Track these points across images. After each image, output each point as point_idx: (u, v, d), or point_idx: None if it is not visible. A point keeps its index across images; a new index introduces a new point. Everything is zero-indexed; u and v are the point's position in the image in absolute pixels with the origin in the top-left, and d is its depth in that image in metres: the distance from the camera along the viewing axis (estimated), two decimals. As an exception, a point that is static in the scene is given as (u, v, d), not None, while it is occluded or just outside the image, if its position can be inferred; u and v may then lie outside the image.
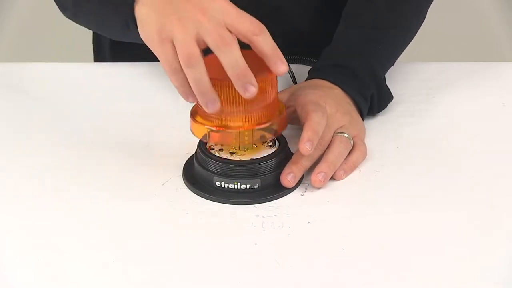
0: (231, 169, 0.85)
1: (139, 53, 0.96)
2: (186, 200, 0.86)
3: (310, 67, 1.02)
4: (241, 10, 0.81)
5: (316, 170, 0.87)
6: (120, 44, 1.03)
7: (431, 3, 1.08)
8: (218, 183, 0.86)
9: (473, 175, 0.90)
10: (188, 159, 0.91)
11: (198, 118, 0.85)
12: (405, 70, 1.11)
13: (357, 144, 0.91)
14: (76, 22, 1.03)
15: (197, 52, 0.78)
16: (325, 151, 0.89)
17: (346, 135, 0.90)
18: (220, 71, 0.79)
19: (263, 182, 0.86)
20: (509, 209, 0.85)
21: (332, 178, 0.88)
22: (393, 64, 1.05)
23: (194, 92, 0.80)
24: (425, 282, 0.75)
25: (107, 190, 0.87)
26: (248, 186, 0.85)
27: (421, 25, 1.08)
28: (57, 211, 0.84)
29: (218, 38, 0.78)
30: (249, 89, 0.79)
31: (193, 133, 0.86)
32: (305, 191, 0.87)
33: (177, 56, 0.79)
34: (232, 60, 0.78)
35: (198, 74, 0.79)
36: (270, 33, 1.12)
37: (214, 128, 0.84)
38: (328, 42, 1.03)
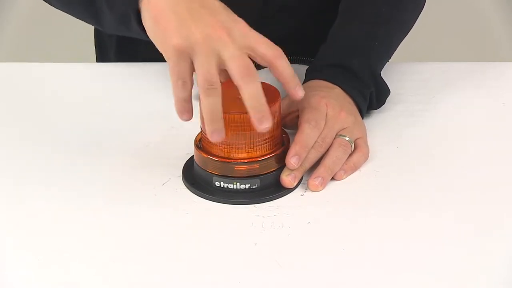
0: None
1: (145, 56, 0.96)
2: (186, 200, 0.86)
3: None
4: (259, 34, 0.81)
5: (314, 174, 0.87)
6: (125, 49, 1.02)
7: None
8: (217, 183, 0.86)
9: (473, 175, 0.90)
10: (188, 160, 0.91)
11: (203, 148, 0.87)
12: (405, 70, 1.11)
13: (359, 145, 0.91)
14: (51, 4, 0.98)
15: (218, 79, 0.78)
16: (324, 153, 0.89)
17: (347, 138, 0.90)
18: (225, 101, 0.80)
19: (262, 182, 0.86)
20: (509, 208, 0.85)
21: (332, 178, 0.88)
22: (390, 58, 1.05)
23: (205, 118, 0.80)
24: (425, 282, 0.75)
25: (107, 190, 0.88)
26: (247, 186, 0.85)
27: (418, 15, 1.08)
28: (57, 211, 0.84)
29: (242, 67, 0.78)
30: (265, 123, 0.80)
31: (196, 161, 0.87)
32: (305, 191, 0.87)
33: (191, 72, 0.79)
34: (254, 92, 0.79)
35: (215, 102, 0.79)
36: (275, 31, 1.13)
37: (217, 159, 0.85)
38: None
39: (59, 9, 0.97)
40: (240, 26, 0.80)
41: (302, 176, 0.88)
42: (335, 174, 0.88)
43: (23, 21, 2.32)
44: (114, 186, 0.88)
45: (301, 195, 0.87)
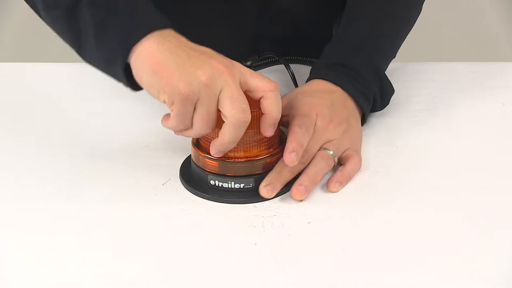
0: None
1: None
2: (186, 200, 0.86)
3: (310, 67, 1.01)
4: (255, 72, 0.83)
5: (297, 182, 0.86)
6: None
7: None
8: (212, 182, 0.86)
9: (473, 175, 0.90)
10: (186, 158, 0.91)
11: (200, 147, 0.87)
12: (405, 70, 1.11)
13: (350, 155, 0.90)
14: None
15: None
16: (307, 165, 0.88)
17: (330, 152, 0.89)
18: None
19: (257, 181, 0.85)
20: (509, 209, 0.85)
21: (329, 190, 0.87)
22: (395, 57, 1.04)
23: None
24: (425, 282, 0.75)
25: (107, 190, 0.87)
26: (242, 185, 0.85)
27: (419, 11, 1.07)
28: (57, 211, 0.84)
29: (239, 113, 0.79)
30: (216, 154, 0.83)
31: (193, 159, 0.88)
32: (305, 191, 0.87)
33: (192, 117, 0.80)
34: (233, 139, 0.81)
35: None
36: (277, 35, 1.12)
37: (213, 158, 0.85)
38: None
39: (45, 20, 0.95)
40: (238, 66, 0.81)
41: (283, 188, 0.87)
42: (330, 187, 0.87)
43: (23, 21, 2.31)
44: (114, 186, 0.88)
45: (301, 195, 0.87)
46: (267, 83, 0.81)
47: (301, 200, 0.85)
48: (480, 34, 2.34)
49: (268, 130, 0.83)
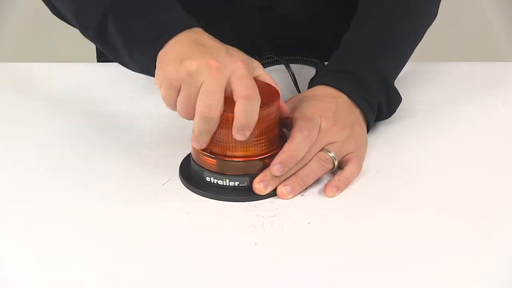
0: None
1: None
2: (186, 200, 0.86)
3: (310, 67, 1.01)
4: (250, 78, 0.83)
5: (284, 182, 0.86)
6: None
7: None
8: (208, 179, 0.86)
9: (473, 175, 0.90)
10: (185, 157, 0.91)
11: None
12: (405, 70, 1.10)
13: (351, 160, 0.89)
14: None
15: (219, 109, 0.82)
16: None
17: (331, 154, 0.88)
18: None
19: (251, 180, 0.85)
20: (509, 209, 0.85)
21: (325, 193, 0.87)
22: (405, 64, 1.03)
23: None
24: (425, 282, 0.75)
25: (107, 190, 0.87)
26: (236, 183, 0.85)
27: (432, 21, 1.06)
28: (57, 211, 0.84)
29: (250, 89, 0.81)
30: (242, 135, 0.82)
31: (192, 157, 0.88)
32: (305, 192, 0.87)
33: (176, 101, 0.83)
34: (252, 111, 0.81)
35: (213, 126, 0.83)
36: (278, 38, 1.12)
37: (213, 156, 0.85)
38: (334, 44, 1.01)
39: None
40: (237, 65, 0.81)
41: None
42: (326, 191, 0.86)
43: (23, 21, 2.32)
44: (114, 186, 0.88)
45: (301, 195, 0.87)
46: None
47: (290, 198, 0.86)
48: (480, 34, 2.34)
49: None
